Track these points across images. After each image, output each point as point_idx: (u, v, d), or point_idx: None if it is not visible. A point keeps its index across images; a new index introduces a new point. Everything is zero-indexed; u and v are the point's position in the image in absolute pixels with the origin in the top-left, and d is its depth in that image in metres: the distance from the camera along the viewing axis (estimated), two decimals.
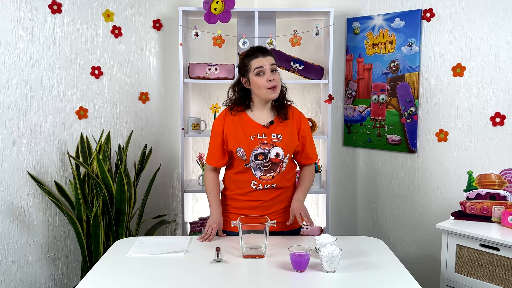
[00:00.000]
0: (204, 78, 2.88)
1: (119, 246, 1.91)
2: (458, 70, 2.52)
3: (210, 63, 2.92)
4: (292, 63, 2.86)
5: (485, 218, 2.17)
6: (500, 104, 2.40)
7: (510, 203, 2.13)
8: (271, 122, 2.02)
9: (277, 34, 2.95)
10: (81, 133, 2.69)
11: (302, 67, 2.87)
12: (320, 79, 2.90)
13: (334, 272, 1.61)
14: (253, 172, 2.00)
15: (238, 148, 1.98)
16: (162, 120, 3.06)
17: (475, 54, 2.46)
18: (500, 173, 2.18)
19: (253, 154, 1.97)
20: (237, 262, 1.72)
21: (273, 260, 1.72)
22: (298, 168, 2.19)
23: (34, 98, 2.57)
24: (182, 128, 2.86)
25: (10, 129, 2.50)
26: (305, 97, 3.21)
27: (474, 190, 2.19)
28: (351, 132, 3.04)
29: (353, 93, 2.99)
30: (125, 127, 2.92)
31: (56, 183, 2.62)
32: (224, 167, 2.15)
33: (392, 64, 2.77)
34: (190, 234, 2.98)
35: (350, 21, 2.96)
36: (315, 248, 1.76)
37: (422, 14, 2.63)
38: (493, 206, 2.15)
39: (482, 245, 2.02)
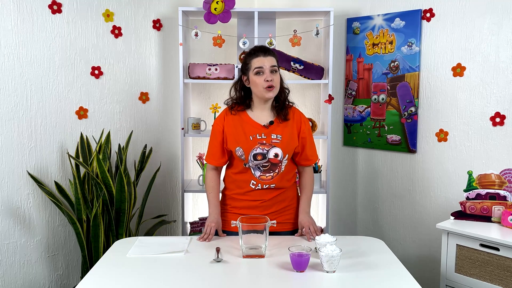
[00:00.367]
0: (204, 78, 2.88)
1: (119, 246, 1.91)
2: (458, 70, 2.52)
3: (210, 63, 2.92)
4: (292, 63, 2.86)
5: (485, 218, 2.17)
6: (500, 104, 2.40)
7: (510, 203, 2.13)
8: (271, 122, 2.02)
9: (277, 34, 2.95)
10: (81, 133, 2.69)
11: (302, 67, 2.87)
12: (320, 79, 2.90)
13: (334, 272, 1.61)
14: (252, 172, 2.00)
15: (237, 148, 1.98)
16: (162, 120, 3.06)
17: (475, 54, 2.46)
18: (500, 173, 2.18)
19: (252, 154, 1.97)
20: (237, 262, 1.72)
21: (273, 260, 1.72)
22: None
23: (34, 98, 2.57)
24: (182, 128, 2.86)
25: (10, 129, 2.50)
26: (305, 97, 3.21)
27: (474, 190, 2.19)
28: (351, 132, 3.04)
29: (353, 93, 2.99)
30: (125, 127, 2.92)
31: (56, 183, 2.62)
32: (225, 167, 2.15)
33: (392, 64, 2.77)
34: (190, 234, 2.98)
35: (350, 21, 2.96)
36: (315, 248, 1.76)
37: (422, 14, 2.63)
38: (493, 206, 2.15)
39: (482, 245, 2.02)
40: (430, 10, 2.60)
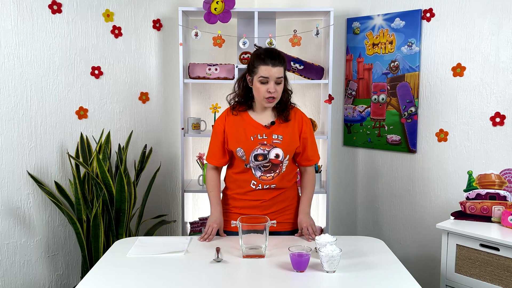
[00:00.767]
0: (204, 78, 2.88)
1: (119, 246, 1.91)
2: (458, 70, 2.52)
3: (210, 63, 2.92)
4: (292, 63, 2.86)
5: (485, 218, 2.17)
6: (500, 104, 2.40)
7: (510, 203, 2.13)
8: (272, 123, 2.01)
9: (277, 34, 2.95)
10: (81, 133, 2.69)
11: (302, 67, 2.87)
12: (320, 79, 2.90)
13: (334, 272, 1.61)
14: (253, 172, 2.00)
15: (238, 148, 1.98)
16: (162, 120, 3.06)
17: (475, 54, 2.46)
18: (500, 173, 2.18)
19: (253, 154, 1.97)
20: (237, 262, 1.72)
21: (273, 260, 1.72)
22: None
23: (34, 98, 2.57)
24: (182, 128, 2.86)
25: (10, 129, 2.50)
26: (305, 97, 3.21)
27: (474, 190, 2.19)
28: (351, 132, 3.04)
29: (353, 93, 2.99)
30: (125, 127, 2.92)
31: (56, 183, 2.62)
32: (225, 166, 2.15)
33: (392, 64, 2.77)
34: (190, 234, 2.98)
35: (350, 21, 2.96)
36: (315, 248, 1.76)
37: (422, 14, 2.63)
38: (493, 206, 2.15)
39: (482, 245, 2.02)
40: (430, 10, 2.60)
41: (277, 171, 2.00)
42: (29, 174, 2.56)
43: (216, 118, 2.95)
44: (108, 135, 2.72)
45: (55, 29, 2.61)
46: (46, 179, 2.64)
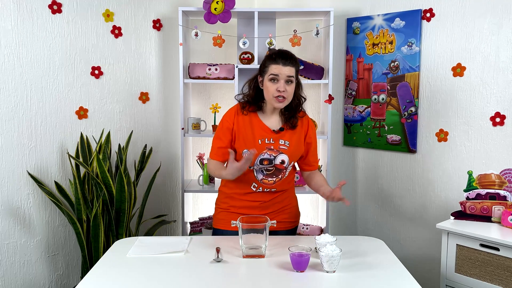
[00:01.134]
0: (204, 78, 2.88)
1: (119, 246, 1.91)
2: (458, 70, 2.52)
3: (210, 63, 2.92)
4: None
5: (485, 218, 2.17)
6: (500, 104, 2.40)
7: (510, 203, 2.13)
8: (281, 129, 1.99)
9: (277, 34, 2.95)
10: (81, 133, 2.69)
11: (302, 67, 2.86)
12: (320, 79, 2.90)
13: (334, 272, 1.61)
14: (255, 174, 1.99)
15: (245, 150, 1.96)
16: (162, 120, 3.06)
17: (475, 54, 2.46)
18: (500, 173, 2.18)
19: (259, 158, 1.96)
20: (237, 262, 1.71)
21: (273, 260, 1.72)
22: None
23: (34, 98, 2.57)
24: (182, 128, 2.86)
25: (10, 129, 2.50)
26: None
27: (474, 190, 2.19)
28: (351, 132, 3.04)
29: (353, 93, 2.99)
30: (125, 127, 2.92)
31: (56, 183, 2.62)
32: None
33: (392, 64, 2.77)
34: (190, 234, 2.98)
35: (350, 21, 2.96)
36: (315, 248, 1.76)
37: (422, 14, 2.63)
38: (493, 206, 2.15)
39: (482, 245, 2.02)
40: (430, 10, 2.60)
41: (280, 176, 2.00)
42: (29, 174, 2.56)
43: (216, 118, 2.97)
44: (108, 135, 2.72)
45: (55, 29, 2.61)
46: (46, 179, 2.64)
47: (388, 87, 2.80)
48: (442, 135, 2.62)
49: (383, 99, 2.83)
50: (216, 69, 2.86)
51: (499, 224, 2.13)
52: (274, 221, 1.82)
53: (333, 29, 2.79)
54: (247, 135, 1.97)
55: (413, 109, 2.71)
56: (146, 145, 2.89)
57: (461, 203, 2.22)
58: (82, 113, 2.75)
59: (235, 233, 1.94)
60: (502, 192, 2.14)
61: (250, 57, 2.81)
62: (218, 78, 2.87)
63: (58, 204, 2.54)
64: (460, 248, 2.10)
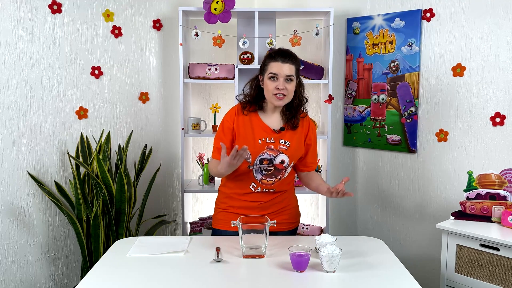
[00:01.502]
0: (204, 78, 2.88)
1: (119, 246, 1.91)
2: (458, 70, 2.52)
3: (210, 63, 2.92)
4: None
5: (485, 218, 2.17)
6: (500, 104, 2.40)
7: (510, 203, 2.13)
8: (282, 129, 1.99)
9: (277, 34, 2.95)
10: (81, 133, 2.69)
11: (302, 67, 2.86)
12: (320, 79, 2.90)
13: (334, 272, 1.61)
14: (254, 174, 1.99)
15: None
16: (162, 120, 3.06)
17: (475, 54, 2.46)
18: (500, 173, 2.18)
19: (259, 158, 1.96)
20: (237, 262, 1.71)
21: (273, 260, 1.72)
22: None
23: (34, 98, 2.57)
24: (182, 128, 2.86)
25: (10, 129, 2.50)
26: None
27: (474, 190, 2.19)
28: (351, 132, 3.04)
29: (353, 93, 2.99)
30: (125, 127, 2.92)
31: (56, 183, 2.62)
32: None
33: (392, 64, 2.77)
34: (190, 234, 2.98)
35: (350, 21, 2.96)
36: (315, 248, 1.76)
37: (422, 14, 2.63)
38: (493, 206, 2.15)
39: (482, 245, 2.02)
40: (430, 10, 2.60)
41: (279, 177, 2.00)
42: (29, 174, 2.56)
43: (216, 118, 2.97)
44: (108, 135, 2.72)
45: (55, 29, 2.61)
46: (46, 179, 2.64)
47: (388, 87, 2.80)
48: (442, 135, 2.62)
49: (383, 99, 2.83)
50: (216, 69, 2.86)
51: (499, 224, 2.13)
52: (274, 221, 1.81)
53: (333, 29, 2.79)
54: (247, 134, 1.97)
55: (413, 109, 2.71)
56: (146, 145, 2.89)
57: (461, 203, 2.22)
58: (82, 113, 2.75)
59: (234, 233, 1.95)
60: (502, 192, 2.14)
61: (250, 57, 2.81)
62: (218, 78, 2.87)
63: (58, 204, 2.54)
64: (460, 248, 2.10)
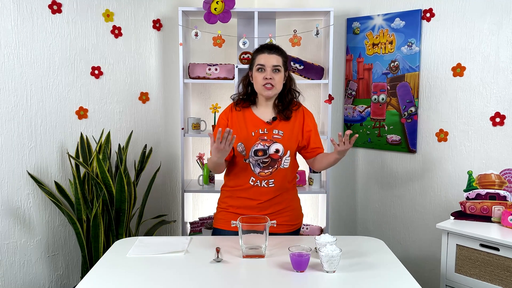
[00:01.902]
0: (204, 78, 2.88)
1: (119, 246, 1.91)
2: (458, 70, 2.52)
3: (210, 63, 2.92)
4: (292, 63, 2.86)
5: (485, 218, 2.17)
6: (500, 104, 2.40)
7: (510, 203, 2.13)
8: (274, 119, 2.03)
9: (277, 34, 2.95)
10: (81, 133, 2.69)
11: (302, 67, 2.87)
12: (320, 79, 2.90)
13: (334, 272, 1.61)
14: (252, 168, 2.01)
15: (239, 144, 1.99)
16: (162, 120, 3.06)
17: (475, 54, 2.46)
18: (500, 173, 2.18)
19: (253, 149, 1.98)
20: (237, 262, 1.71)
21: (273, 260, 1.72)
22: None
23: (34, 98, 2.57)
24: (182, 128, 2.86)
25: (10, 129, 2.50)
26: (305, 97, 3.20)
27: (474, 190, 2.19)
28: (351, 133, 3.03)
29: (353, 93, 2.99)
30: (125, 127, 2.92)
31: (56, 183, 2.62)
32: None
33: (392, 64, 2.77)
34: (190, 234, 2.98)
35: (350, 21, 2.96)
36: (315, 248, 1.76)
37: (422, 14, 2.63)
38: (493, 206, 2.15)
39: (482, 245, 2.02)
40: (430, 10, 2.60)
41: (276, 166, 2.01)
42: (29, 174, 2.56)
43: (216, 118, 2.97)
44: (108, 135, 2.72)
45: (55, 29, 2.61)
46: (46, 179, 2.64)
47: (388, 87, 2.80)
48: (442, 135, 2.62)
49: (383, 99, 2.83)
50: (216, 69, 2.86)
51: (499, 224, 2.13)
52: (274, 221, 1.82)
53: (333, 29, 2.79)
54: (241, 128, 2.02)
55: (413, 109, 2.71)
56: (146, 145, 2.89)
57: (461, 203, 2.22)
58: (82, 113, 2.75)
59: (233, 233, 1.95)
60: (502, 192, 2.14)
61: (250, 57, 2.81)
62: (218, 78, 2.87)
63: (58, 204, 2.54)
64: (460, 248, 2.10)
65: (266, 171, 2.01)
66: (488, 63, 2.42)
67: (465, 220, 2.20)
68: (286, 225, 2.08)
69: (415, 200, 2.78)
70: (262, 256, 1.75)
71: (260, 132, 2.00)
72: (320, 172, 2.92)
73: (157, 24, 2.97)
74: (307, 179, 3.00)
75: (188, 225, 3.03)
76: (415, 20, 2.65)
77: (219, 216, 2.12)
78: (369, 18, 2.86)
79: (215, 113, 2.95)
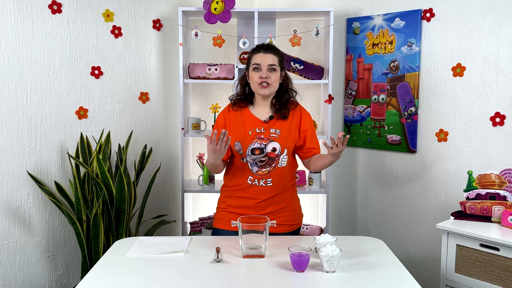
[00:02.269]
0: (204, 78, 2.88)
1: (119, 246, 1.91)
2: (458, 70, 2.52)
3: (210, 63, 2.92)
4: (292, 63, 2.86)
5: (485, 218, 2.17)
6: (500, 104, 2.40)
7: (510, 203, 2.13)
8: (271, 117, 2.04)
9: (277, 34, 2.95)
10: (81, 133, 2.69)
11: (302, 67, 2.87)
12: (320, 79, 2.90)
13: (334, 272, 1.61)
14: (250, 168, 2.02)
15: (236, 143, 2.01)
16: (162, 120, 3.06)
17: (475, 54, 2.46)
18: (500, 173, 2.18)
19: (250, 148, 1.98)
20: (237, 262, 1.71)
21: (273, 260, 1.72)
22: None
23: (34, 98, 2.57)
24: (182, 128, 2.86)
25: (10, 129, 2.50)
26: (305, 97, 3.21)
27: (474, 190, 2.19)
28: (351, 132, 3.04)
29: (353, 93, 2.99)
30: (125, 127, 2.92)
31: (56, 183, 2.62)
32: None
33: (392, 64, 2.77)
34: (190, 234, 2.98)
35: (350, 21, 2.96)
36: (315, 248, 1.76)
37: (422, 14, 2.63)
38: (493, 206, 2.15)
39: (482, 245, 2.02)
40: (430, 10, 2.60)
41: (273, 165, 2.01)
42: (29, 174, 2.56)
43: (215, 118, 2.97)
44: (108, 135, 2.72)
45: (55, 29, 2.61)
46: (46, 179, 2.64)
47: (388, 87, 2.80)
48: (442, 135, 2.62)
49: (383, 99, 2.83)
50: (216, 69, 2.86)
51: (499, 224, 2.13)
52: (274, 221, 1.82)
53: (333, 29, 2.79)
54: (238, 128, 2.03)
55: (413, 109, 2.71)
56: (146, 145, 2.89)
57: (461, 203, 2.22)
58: (82, 113, 2.75)
59: (233, 233, 1.95)
60: (502, 192, 2.14)
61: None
62: (218, 78, 2.87)
63: (58, 204, 2.54)
64: (460, 248, 2.10)
65: (263, 170, 2.01)
66: (488, 63, 2.42)
67: (465, 220, 2.20)
68: (286, 225, 2.08)
69: (415, 200, 2.78)
70: (262, 256, 1.75)
71: (257, 131, 2.01)
72: (320, 172, 2.92)
73: (157, 24, 2.97)
74: (307, 179, 3.00)
75: (188, 225, 3.03)
76: (415, 20, 2.65)
77: (219, 216, 2.12)
78: (369, 18, 2.86)
79: (215, 113, 2.95)
